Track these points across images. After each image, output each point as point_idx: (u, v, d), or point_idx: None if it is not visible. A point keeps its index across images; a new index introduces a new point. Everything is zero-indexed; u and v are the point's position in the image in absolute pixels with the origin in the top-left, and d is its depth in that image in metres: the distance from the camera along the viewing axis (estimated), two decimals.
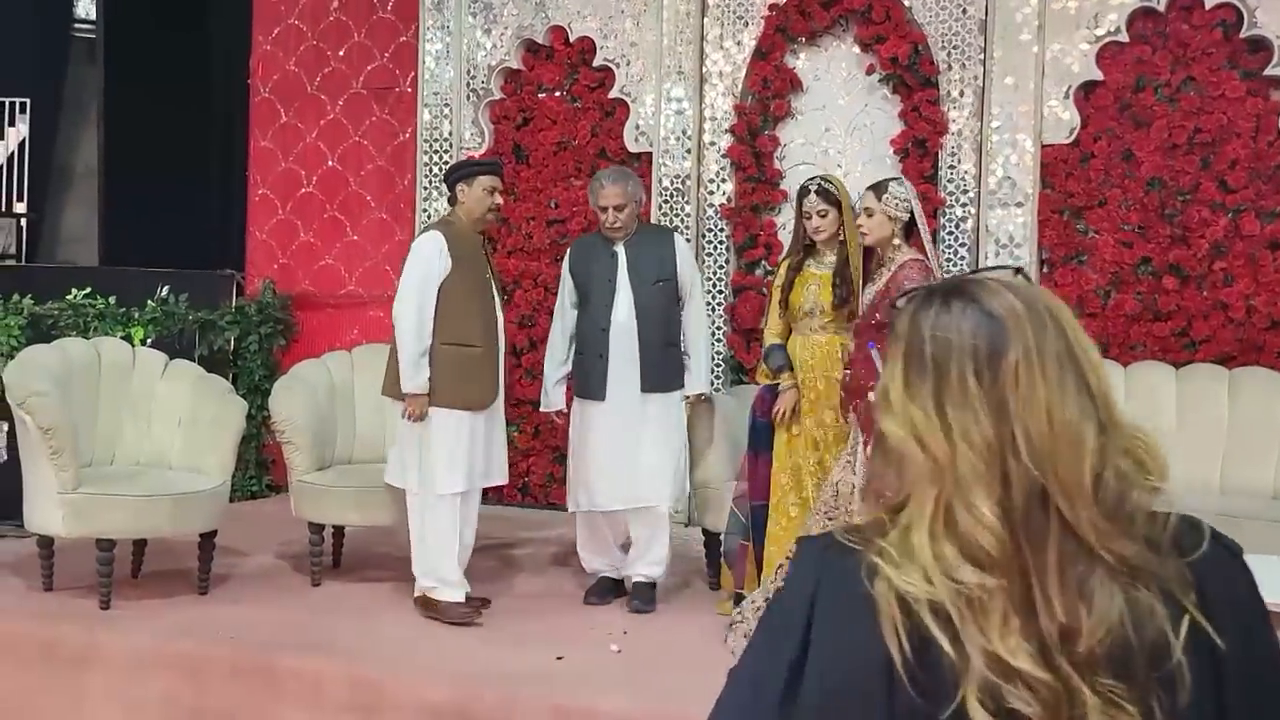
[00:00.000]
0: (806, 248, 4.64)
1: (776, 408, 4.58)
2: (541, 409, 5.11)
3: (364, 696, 3.99)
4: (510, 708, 3.84)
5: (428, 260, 4.60)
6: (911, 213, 4.16)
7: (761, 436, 4.68)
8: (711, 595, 5.09)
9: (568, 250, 5.13)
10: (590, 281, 4.89)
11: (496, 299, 4.78)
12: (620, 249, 4.88)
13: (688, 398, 4.98)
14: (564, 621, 4.69)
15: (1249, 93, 5.48)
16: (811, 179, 4.66)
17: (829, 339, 4.57)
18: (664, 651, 4.35)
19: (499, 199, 4.77)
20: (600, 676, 4.10)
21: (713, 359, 6.44)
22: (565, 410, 5.02)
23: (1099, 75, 5.70)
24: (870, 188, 4.29)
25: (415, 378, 4.54)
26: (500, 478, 4.90)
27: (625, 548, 5.03)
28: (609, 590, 4.97)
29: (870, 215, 4.18)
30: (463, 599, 4.64)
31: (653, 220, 6.46)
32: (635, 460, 4.82)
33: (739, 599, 4.66)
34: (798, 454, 4.59)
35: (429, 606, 4.63)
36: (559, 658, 4.20)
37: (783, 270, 4.72)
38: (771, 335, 4.74)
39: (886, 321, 4.00)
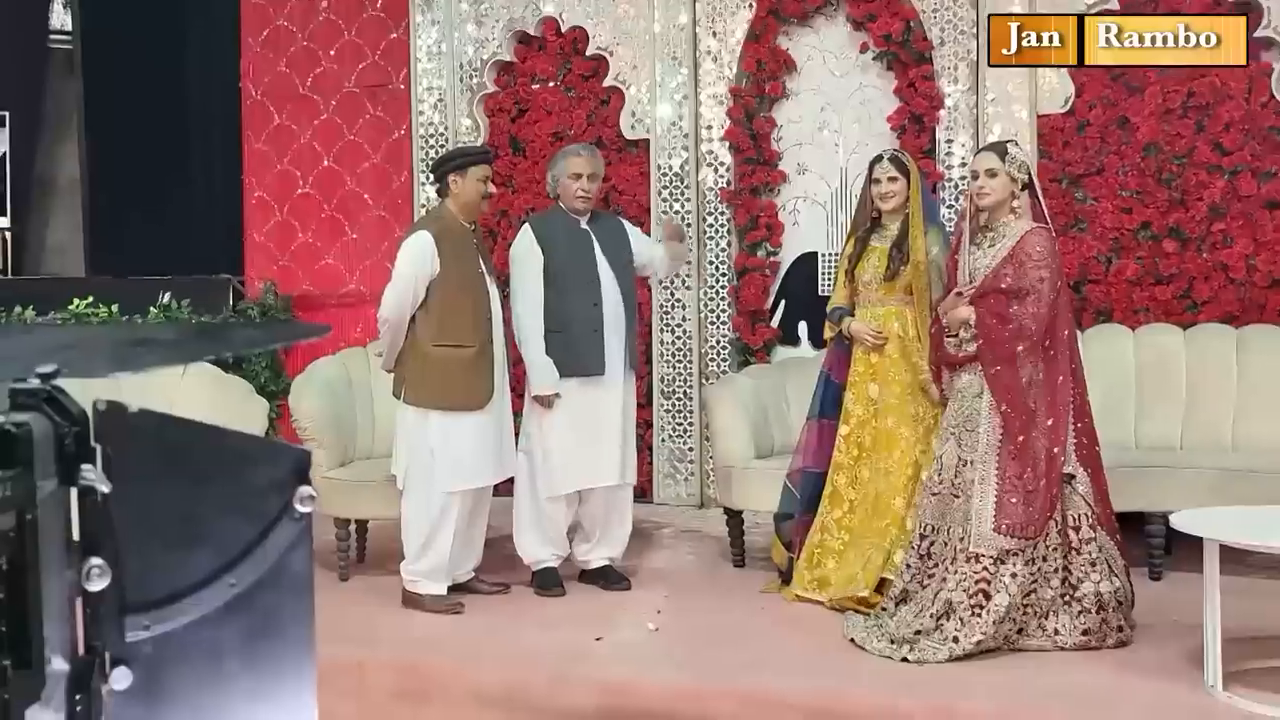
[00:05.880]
0: (874, 220, 4.69)
1: (863, 330, 4.60)
2: (540, 391, 4.72)
3: (410, 684, 4.01)
4: (559, 687, 3.87)
5: (415, 263, 4.55)
6: (1030, 176, 4.08)
7: (831, 399, 4.72)
8: (736, 573, 5.13)
9: (526, 228, 4.89)
10: (565, 258, 4.76)
11: (492, 292, 4.69)
12: (587, 227, 4.85)
13: None
14: (591, 604, 4.72)
15: None
16: (885, 149, 4.81)
17: (886, 311, 4.62)
18: (700, 628, 4.40)
19: (492, 188, 4.74)
20: (642, 655, 4.14)
21: (719, 341, 6.51)
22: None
23: None
24: (989, 149, 4.20)
25: (387, 364, 4.72)
26: (510, 471, 4.85)
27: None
28: (558, 580, 4.84)
29: (993, 176, 4.06)
30: (445, 591, 4.65)
31: (653, 206, 6.49)
32: (626, 436, 4.87)
33: (788, 575, 4.72)
34: (865, 413, 4.62)
35: (411, 602, 4.65)
36: (598, 638, 4.24)
37: (850, 243, 4.78)
38: (835, 302, 4.80)
39: (1016, 287, 3.99)
